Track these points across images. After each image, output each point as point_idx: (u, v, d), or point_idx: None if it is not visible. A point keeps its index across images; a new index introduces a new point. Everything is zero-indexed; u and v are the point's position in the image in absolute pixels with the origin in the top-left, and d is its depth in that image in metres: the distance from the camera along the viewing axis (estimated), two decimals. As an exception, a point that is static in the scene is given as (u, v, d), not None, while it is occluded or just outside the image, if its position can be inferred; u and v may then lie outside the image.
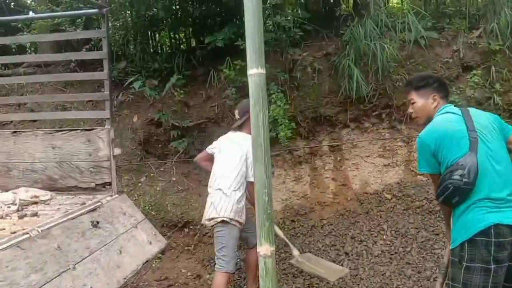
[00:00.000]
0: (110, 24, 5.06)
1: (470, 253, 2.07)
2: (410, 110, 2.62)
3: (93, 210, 2.60)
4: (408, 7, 4.93)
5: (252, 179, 3.07)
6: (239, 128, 3.33)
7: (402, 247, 3.91)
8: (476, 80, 4.47)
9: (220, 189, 3.14)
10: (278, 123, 4.50)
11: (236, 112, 3.41)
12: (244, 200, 3.20)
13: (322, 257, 4.01)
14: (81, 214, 2.47)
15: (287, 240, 3.61)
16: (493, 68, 4.45)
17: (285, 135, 4.44)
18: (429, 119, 2.45)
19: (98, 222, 2.51)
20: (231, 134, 3.40)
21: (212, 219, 3.11)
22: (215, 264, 3.20)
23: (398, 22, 4.56)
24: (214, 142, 3.47)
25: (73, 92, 5.35)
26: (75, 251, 2.18)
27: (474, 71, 4.54)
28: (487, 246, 2.03)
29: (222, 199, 3.10)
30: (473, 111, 2.31)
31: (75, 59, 4.91)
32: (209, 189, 3.28)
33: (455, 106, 2.44)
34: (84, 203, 2.74)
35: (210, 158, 3.42)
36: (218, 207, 3.09)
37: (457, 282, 2.12)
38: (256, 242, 3.24)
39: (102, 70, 3.14)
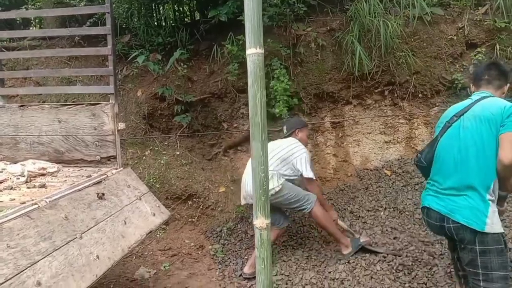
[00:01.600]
0: (114, -2, 5.06)
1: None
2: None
3: (99, 182, 2.70)
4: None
5: (305, 175, 3.60)
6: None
7: (400, 223, 4.00)
8: (480, 58, 4.45)
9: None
10: (277, 99, 4.53)
11: (284, 127, 4.02)
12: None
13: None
14: (87, 186, 2.57)
15: (351, 231, 3.95)
16: (497, 46, 4.42)
17: (280, 111, 4.46)
18: None
19: (103, 194, 2.61)
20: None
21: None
22: (303, 211, 3.66)
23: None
24: None
25: (78, 65, 5.39)
26: (81, 221, 2.29)
27: (478, 49, 4.51)
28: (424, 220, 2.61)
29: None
30: (486, 101, 2.36)
31: (79, 40, 4.93)
32: None
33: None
34: (90, 176, 2.84)
35: None
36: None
37: None
38: (282, 226, 3.67)
39: (106, 44, 3.18)
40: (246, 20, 1.72)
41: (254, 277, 3.61)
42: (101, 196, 2.58)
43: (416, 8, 4.34)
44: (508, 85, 2.53)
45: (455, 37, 4.54)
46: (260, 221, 1.72)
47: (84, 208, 2.39)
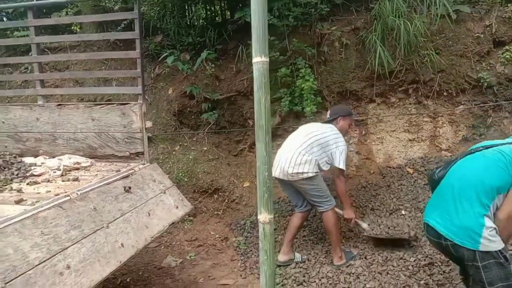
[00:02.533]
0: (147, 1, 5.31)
1: None
2: None
3: (126, 176, 2.93)
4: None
5: (337, 165, 3.67)
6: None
7: (419, 221, 4.03)
8: (508, 56, 4.37)
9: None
10: (304, 98, 4.65)
11: (328, 112, 4.03)
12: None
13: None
14: (115, 180, 2.80)
15: (366, 229, 3.96)
16: (526, 44, 4.34)
17: (310, 109, 4.59)
18: None
19: (130, 188, 2.84)
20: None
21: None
22: (319, 207, 3.74)
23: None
24: None
25: (114, 64, 5.71)
26: (109, 212, 2.52)
27: (507, 47, 4.43)
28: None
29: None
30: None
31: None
32: None
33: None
34: (119, 170, 3.08)
35: None
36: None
37: None
38: (305, 209, 3.80)
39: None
40: (253, 32, 1.85)
41: (288, 264, 3.79)
42: (127, 190, 2.80)
43: (440, 7, 4.32)
44: None
45: (482, 35, 4.49)
46: (264, 216, 1.85)
47: (111, 200, 2.62)
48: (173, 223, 3.04)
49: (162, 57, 5.15)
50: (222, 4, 6.39)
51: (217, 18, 6.38)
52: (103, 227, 2.39)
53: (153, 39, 5.68)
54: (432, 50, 4.45)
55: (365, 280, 3.46)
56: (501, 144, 2.42)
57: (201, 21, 5.96)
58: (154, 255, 4.38)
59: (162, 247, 4.54)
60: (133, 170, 3.08)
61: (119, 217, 2.56)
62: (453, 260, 2.68)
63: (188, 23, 5.90)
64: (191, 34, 5.50)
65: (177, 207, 3.14)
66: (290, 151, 3.66)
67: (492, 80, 4.43)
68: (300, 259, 3.87)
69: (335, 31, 4.75)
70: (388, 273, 3.51)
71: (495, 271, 2.23)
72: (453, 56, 4.54)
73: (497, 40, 4.50)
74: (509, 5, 4.52)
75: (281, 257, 3.86)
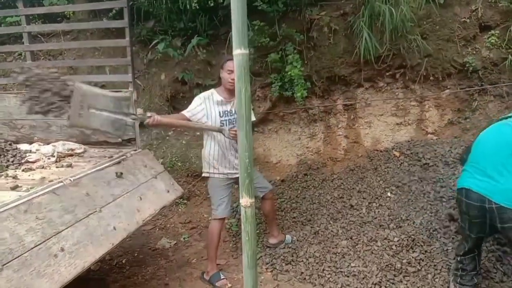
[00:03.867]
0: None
1: None
2: None
3: (118, 162, 3.04)
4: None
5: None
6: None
7: (405, 201, 4.18)
8: (493, 41, 4.46)
9: None
10: (294, 83, 4.73)
11: None
12: (216, 150, 3.45)
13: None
14: (107, 166, 2.91)
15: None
16: (511, 28, 4.41)
17: (301, 95, 4.67)
18: None
19: (122, 173, 2.95)
20: None
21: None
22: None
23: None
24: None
25: (107, 51, 5.75)
26: (101, 197, 2.64)
27: (492, 31, 4.51)
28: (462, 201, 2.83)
29: (203, 155, 3.56)
30: None
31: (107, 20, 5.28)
32: None
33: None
34: (111, 156, 3.19)
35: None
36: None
37: None
38: (262, 194, 3.68)
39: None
40: (233, 25, 1.92)
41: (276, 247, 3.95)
42: (119, 175, 2.92)
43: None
44: None
45: (468, 20, 4.56)
46: (245, 200, 1.96)
47: (104, 185, 2.74)
48: (164, 207, 3.17)
49: (153, 44, 5.20)
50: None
51: (209, 2, 6.39)
52: (96, 211, 2.51)
53: (145, 25, 5.71)
54: (419, 35, 4.53)
55: (350, 259, 3.61)
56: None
57: (194, 4, 5.97)
58: (148, 237, 4.52)
59: (157, 229, 4.69)
60: (125, 156, 3.19)
61: (111, 202, 2.68)
62: (480, 227, 2.78)
63: (181, 7, 5.92)
64: (182, 20, 5.53)
65: (168, 191, 3.27)
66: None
67: (478, 65, 4.53)
68: (290, 241, 4.02)
69: (324, 16, 4.80)
70: (372, 252, 3.66)
71: None
72: (439, 40, 4.62)
73: (483, 24, 4.58)
74: (495, -11, 4.58)
75: (272, 240, 4.02)
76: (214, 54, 5.39)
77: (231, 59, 3.18)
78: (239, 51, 2.00)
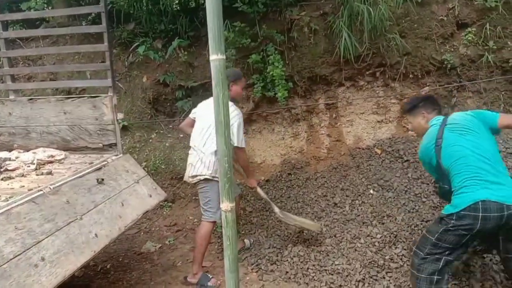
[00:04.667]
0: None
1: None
2: (409, 128, 3.19)
3: (99, 168, 3.03)
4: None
5: (236, 144, 3.44)
6: None
7: (387, 198, 4.24)
8: (470, 38, 4.54)
9: (196, 149, 3.52)
10: (275, 84, 4.75)
11: None
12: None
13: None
14: (88, 173, 2.89)
15: (268, 199, 4.03)
16: (487, 26, 4.49)
17: (282, 95, 4.70)
18: (425, 132, 2.87)
19: (103, 179, 2.94)
20: (211, 101, 3.68)
21: (195, 176, 3.50)
22: (202, 215, 3.60)
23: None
24: (195, 108, 3.83)
25: (87, 55, 5.70)
26: (82, 204, 2.62)
27: (469, 29, 4.59)
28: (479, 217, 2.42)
29: (201, 159, 3.45)
30: (453, 115, 2.75)
31: (86, 23, 5.22)
32: (189, 151, 3.66)
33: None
34: (92, 162, 3.17)
35: (193, 124, 3.72)
36: (197, 166, 3.47)
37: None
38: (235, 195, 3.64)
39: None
40: (209, 32, 1.94)
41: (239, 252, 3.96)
42: (100, 181, 2.90)
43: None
44: None
45: (445, 18, 4.63)
46: (225, 205, 1.98)
47: (84, 192, 2.72)
48: (146, 211, 3.16)
49: (133, 46, 5.17)
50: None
51: (190, 4, 6.37)
52: (77, 219, 2.49)
53: (125, 27, 5.68)
54: (397, 34, 4.59)
55: (334, 257, 3.65)
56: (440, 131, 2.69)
57: (174, 6, 5.94)
58: (133, 241, 4.51)
59: (142, 233, 4.68)
60: (106, 162, 3.17)
61: (93, 209, 2.67)
62: (491, 237, 2.61)
63: (161, 9, 5.89)
64: (163, 21, 5.51)
65: (150, 196, 3.26)
66: (193, 155, 3.56)
67: (456, 62, 4.60)
68: (249, 244, 4.06)
69: (304, 16, 4.83)
70: (355, 250, 3.71)
71: None
72: (418, 39, 4.69)
73: (460, 22, 4.65)
74: (471, -13, 4.66)
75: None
76: (195, 55, 5.39)
77: (244, 76, 3.89)
78: (216, 57, 2.01)
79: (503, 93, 4.60)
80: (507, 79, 4.58)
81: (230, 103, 3.32)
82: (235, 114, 3.46)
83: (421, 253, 2.61)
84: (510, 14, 4.48)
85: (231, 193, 1.99)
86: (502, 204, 2.37)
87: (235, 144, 3.44)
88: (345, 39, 4.42)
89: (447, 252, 2.54)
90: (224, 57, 2.01)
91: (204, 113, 3.64)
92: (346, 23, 4.49)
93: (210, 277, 3.56)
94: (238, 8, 4.77)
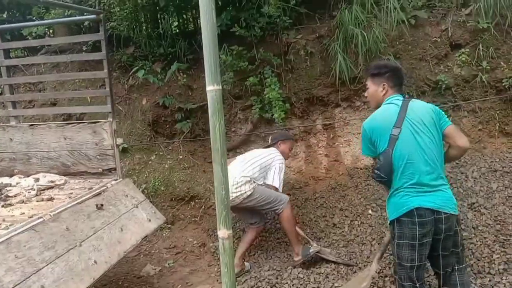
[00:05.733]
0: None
1: (399, 231, 2.47)
2: (365, 94, 2.94)
3: (98, 194, 3.06)
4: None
5: (270, 182, 3.95)
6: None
7: (385, 218, 4.25)
8: (464, 59, 4.62)
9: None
10: (272, 105, 4.82)
11: (270, 138, 4.44)
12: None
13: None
14: (87, 199, 2.93)
15: (307, 237, 4.18)
16: (480, 46, 4.58)
17: (279, 116, 4.77)
18: (378, 105, 2.76)
19: (102, 205, 2.97)
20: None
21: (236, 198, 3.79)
22: (275, 213, 4.01)
23: (384, 6, 4.63)
24: None
25: (87, 81, 5.77)
26: (81, 231, 2.65)
27: (462, 50, 4.67)
28: (412, 225, 2.43)
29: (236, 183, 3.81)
30: (414, 104, 2.60)
31: (86, 49, 5.32)
32: None
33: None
34: (91, 188, 3.21)
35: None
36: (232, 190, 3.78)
37: (394, 255, 2.55)
38: (260, 224, 4.07)
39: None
40: (205, 63, 1.99)
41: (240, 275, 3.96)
42: (100, 207, 2.94)
43: (399, 14, 4.52)
44: None
45: (439, 39, 4.72)
46: (223, 232, 2.00)
47: (84, 218, 2.75)
48: (146, 236, 3.18)
49: (133, 70, 5.26)
50: (194, 12, 6.49)
51: (188, 27, 6.49)
52: (76, 245, 2.52)
53: (125, 51, 5.77)
54: (392, 55, 4.67)
55: (333, 279, 3.65)
56: (401, 113, 2.56)
57: (173, 29, 6.06)
58: (133, 264, 4.50)
59: (141, 255, 4.67)
60: (105, 187, 3.21)
61: (92, 235, 2.70)
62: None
63: (160, 33, 6.01)
64: (162, 45, 5.61)
65: (149, 220, 3.29)
66: (232, 178, 3.79)
67: (450, 82, 4.67)
68: (249, 267, 4.09)
69: (300, 39, 4.93)
70: (355, 272, 3.71)
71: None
72: (412, 60, 4.77)
73: (453, 43, 4.74)
74: (463, 9, 4.76)
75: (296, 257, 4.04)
76: (194, 78, 5.47)
77: (293, 138, 4.67)
78: (212, 88, 2.06)
79: (498, 112, 4.66)
80: (501, 98, 4.64)
81: (277, 151, 4.05)
82: (279, 158, 4.01)
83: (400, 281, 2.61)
84: (502, 35, 4.57)
85: (228, 220, 2.01)
86: (434, 210, 2.42)
87: (268, 182, 3.95)
88: (340, 61, 4.49)
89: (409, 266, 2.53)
90: (220, 87, 2.06)
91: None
92: (341, 46, 4.58)
93: (309, 246, 3.95)
94: (235, 32, 4.87)
